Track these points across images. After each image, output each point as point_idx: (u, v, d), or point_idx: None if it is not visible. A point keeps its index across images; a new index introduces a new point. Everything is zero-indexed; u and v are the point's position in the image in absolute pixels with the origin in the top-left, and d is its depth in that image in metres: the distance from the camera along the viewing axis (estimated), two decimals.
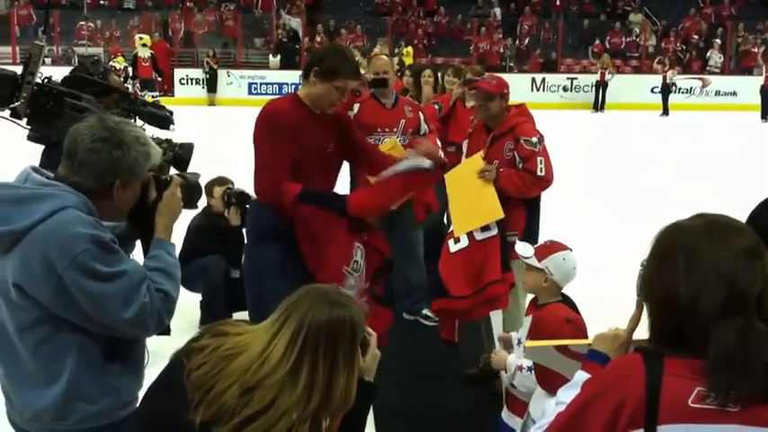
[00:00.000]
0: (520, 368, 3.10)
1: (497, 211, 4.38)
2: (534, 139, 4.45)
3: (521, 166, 4.45)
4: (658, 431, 1.52)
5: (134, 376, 2.25)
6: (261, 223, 3.68)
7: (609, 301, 5.67)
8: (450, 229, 4.60)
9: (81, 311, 2.06)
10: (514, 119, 4.54)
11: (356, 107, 5.27)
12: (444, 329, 4.57)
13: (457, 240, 4.49)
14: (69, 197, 2.09)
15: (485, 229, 4.40)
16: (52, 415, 2.14)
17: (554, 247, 3.38)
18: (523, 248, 3.42)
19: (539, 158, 4.41)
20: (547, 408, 2.62)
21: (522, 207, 4.51)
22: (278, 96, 3.67)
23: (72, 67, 3.50)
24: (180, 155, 2.69)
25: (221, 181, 5.25)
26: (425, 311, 5.63)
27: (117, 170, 2.15)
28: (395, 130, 5.26)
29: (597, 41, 24.36)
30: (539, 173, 4.40)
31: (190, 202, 2.46)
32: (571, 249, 3.40)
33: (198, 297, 5.24)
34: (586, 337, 2.81)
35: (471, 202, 4.54)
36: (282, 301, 1.82)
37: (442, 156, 5.35)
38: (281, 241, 3.50)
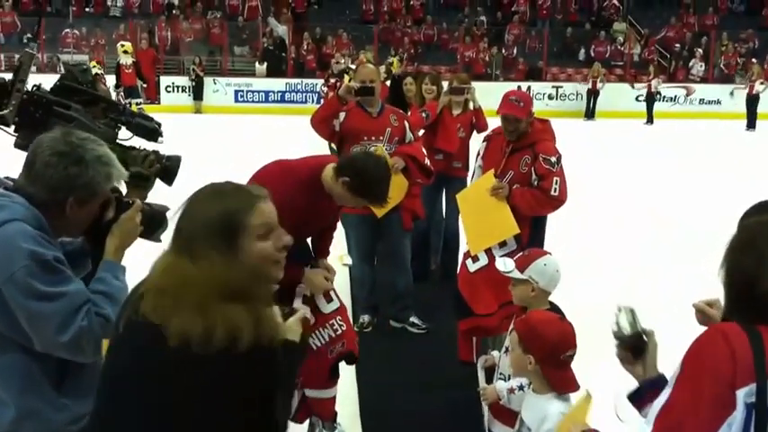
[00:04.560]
0: (512, 390, 3.09)
1: (513, 226, 4.42)
2: (553, 159, 4.50)
3: (536, 183, 4.50)
4: None
5: (85, 391, 2.16)
6: None
7: (596, 308, 5.69)
8: (467, 249, 4.62)
9: (21, 329, 2.03)
10: (537, 135, 4.59)
11: (342, 115, 5.27)
12: (462, 351, 4.55)
13: (475, 259, 4.51)
14: (19, 209, 2.06)
15: (502, 245, 4.44)
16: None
17: (532, 255, 3.39)
18: (503, 264, 3.42)
19: (555, 178, 4.46)
20: (548, 411, 2.61)
21: (526, 220, 4.56)
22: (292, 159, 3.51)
23: (59, 75, 3.48)
24: (167, 167, 2.66)
25: None
26: (412, 318, 5.63)
27: (71, 187, 2.12)
28: (381, 138, 5.27)
29: (582, 49, 24.53)
30: (553, 192, 4.46)
31: (149, 233, 2.40)
32: (550, 253, 3.43)
33: None
34: (574, 338, 2.81)
35: (486, 220, 4.57)
36: None
37: (428, 163, 5.40)
38: None
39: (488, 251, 4.47)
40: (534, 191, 4.49)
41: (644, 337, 2.07)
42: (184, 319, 1.70)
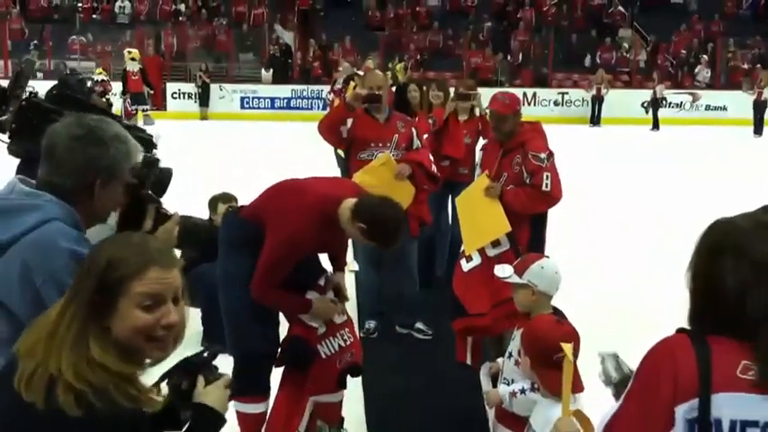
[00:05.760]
0: (514, 394, 3.09)
1: (504, 225, 4.43)
2: (542, 155, 4.51)
3: (528, 180, 4.50)
4: (712, 400, 1.62)
5: None
6: (233, 232, 3.72)
7: (601, 313, 5.70)
8: (462, 249, 4.63)
9: None
10: (526, 134, 4.61)
11: (349, 122, 5.29)
12: (458, 351, 4.56)
13: (469, 259, 4.52)
14: (55, 209, 2.07)
15: (496, 245, 4.44)
16: None
17: (529, 259, 3.40)
18: (502, 270, 3.44)
19: (545, 174, 4.46)
20: (552, 415, 2.63)
21: (525, 222, 4.56)
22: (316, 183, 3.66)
23: (55, 83, 3.51)
24: (159, 178, 2.67)
25: (226, 198, 5.25)
26: (418, 324, 5.63)
27: (96, 168, 2.13)
28: (388, 144, 5.28)
29: (588, 56, 24.54)
30: (544, 188, 4.45)
31: (188, 245, 2.42)
32: (548, 257, 3.43)
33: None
34: (578, 341, 2.84)
35: (479, 220, 4.60)
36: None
37: (435, 170, 5.41)
38: (251, 249, 3.52)
39: (482, 251, 4.48)
40: (526, 189, 4.50)
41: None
42: (26, 364, 1.64)
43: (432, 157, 5.50)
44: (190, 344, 2.01)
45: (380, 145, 5.28)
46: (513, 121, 4.62)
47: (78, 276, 1.73)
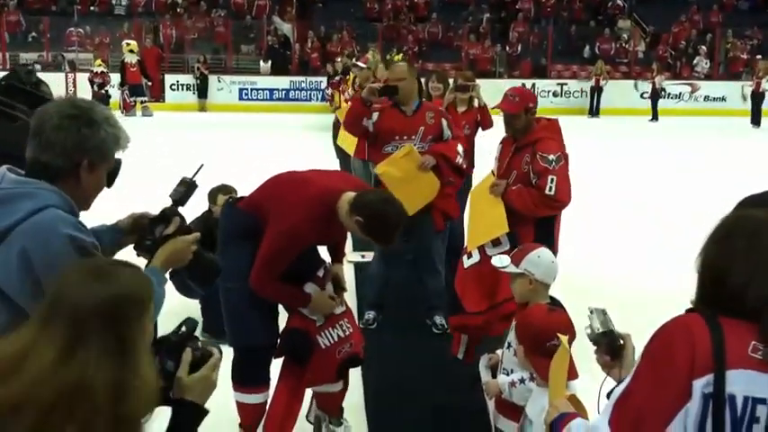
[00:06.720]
0: (513, 384, 3.11)
1: (503, 225, 4.37)
2: (551, 157, 4.37)
3: (534, 181, 4.41)
4: (727, 376, 1.66)
5: None
6: (232, 223, 3.72)
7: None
8: (465, 245, 4.62)
9: None
10: (539, 132, 4.50)
11: (375, 115, 5.22)
12: (453, 345, 4.56)
13: (470, 255, 4.49)
14: (51, 196, 2.08)
15: (496, 244, 4.39)
16: None
17: (526, 249, 3.42)
18: (499, 260, 3.45)
19: (550, 177, 4.33)
20: (546, 403, 2.64)
21: (530, 224, 4.45)
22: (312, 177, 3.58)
23: (4, 74, 3.47)
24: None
25: (225, 189, 5.25)
26: (436, 318, 5.58)
27: (85, 149, 2.13)
28: (413, 137, 5.19)
29: (587, 47, 24.51)
30: (547, 191, 4.33)
31: (196, 276, 2.43)
32: (544, 247, 3.45)
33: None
34: (572, 330, 2.85)
35: (482, 217, 4.58)
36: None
37: (460, 161, 5.30)
38: (250, 241, 3.53)
39: (482, 249, 4.44)
40: (531, 189, 4.40)
41: (619, 338, 2.15)
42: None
43: (460, 149, 5.32)
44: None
45: (405, 138, 5.19)
46: (526, 118, 4.50)
47: (73, 321, 1.58)
